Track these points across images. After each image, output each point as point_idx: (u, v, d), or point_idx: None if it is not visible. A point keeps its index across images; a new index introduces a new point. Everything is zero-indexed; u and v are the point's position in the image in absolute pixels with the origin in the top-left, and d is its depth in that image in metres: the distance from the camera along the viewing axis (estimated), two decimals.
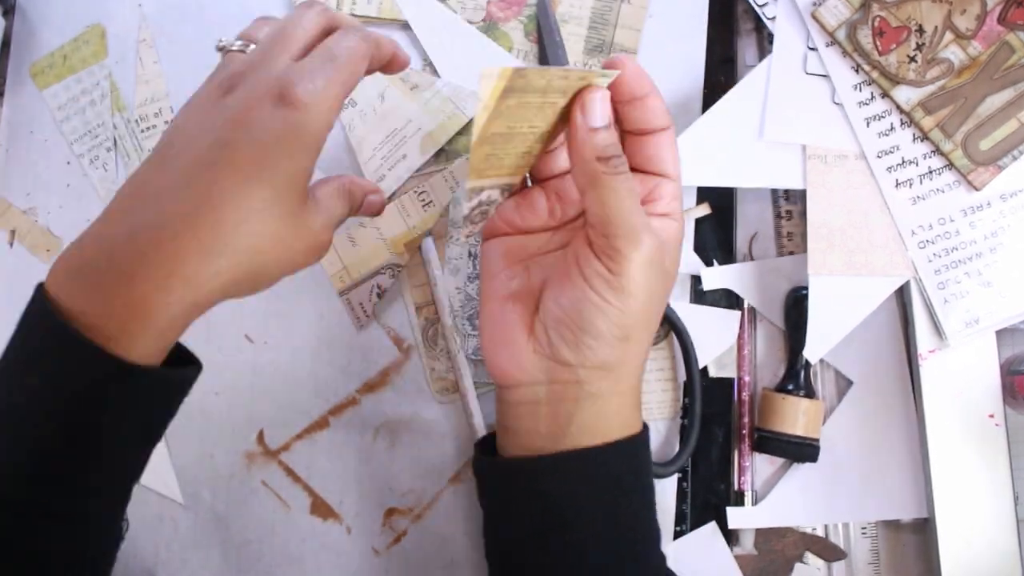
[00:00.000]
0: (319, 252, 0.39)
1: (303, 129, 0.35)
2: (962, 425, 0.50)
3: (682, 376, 0.52)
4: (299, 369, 0.53)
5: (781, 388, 0.51)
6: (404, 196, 0.53)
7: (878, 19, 0.49)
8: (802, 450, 0.50)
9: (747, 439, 0.52)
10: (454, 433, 0.53)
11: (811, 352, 0.50)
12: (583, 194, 0.38)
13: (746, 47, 0.55)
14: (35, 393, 0.35)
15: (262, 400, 0.53)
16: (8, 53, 0.57)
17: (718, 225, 0.54)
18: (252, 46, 0.39)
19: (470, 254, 0.53)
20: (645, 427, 0.41)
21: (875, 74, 0.49)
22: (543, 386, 0.39)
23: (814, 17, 0.50)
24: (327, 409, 0.53)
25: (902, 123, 0.50)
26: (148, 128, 0.55)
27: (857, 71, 0.50)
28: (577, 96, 0.37)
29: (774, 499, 0.52)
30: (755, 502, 0.52)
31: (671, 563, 0.51)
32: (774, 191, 0.54)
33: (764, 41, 0.55)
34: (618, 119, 0.40)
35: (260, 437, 0.53)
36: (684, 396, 0.52)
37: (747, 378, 0.53)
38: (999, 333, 0.50)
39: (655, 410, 0.52)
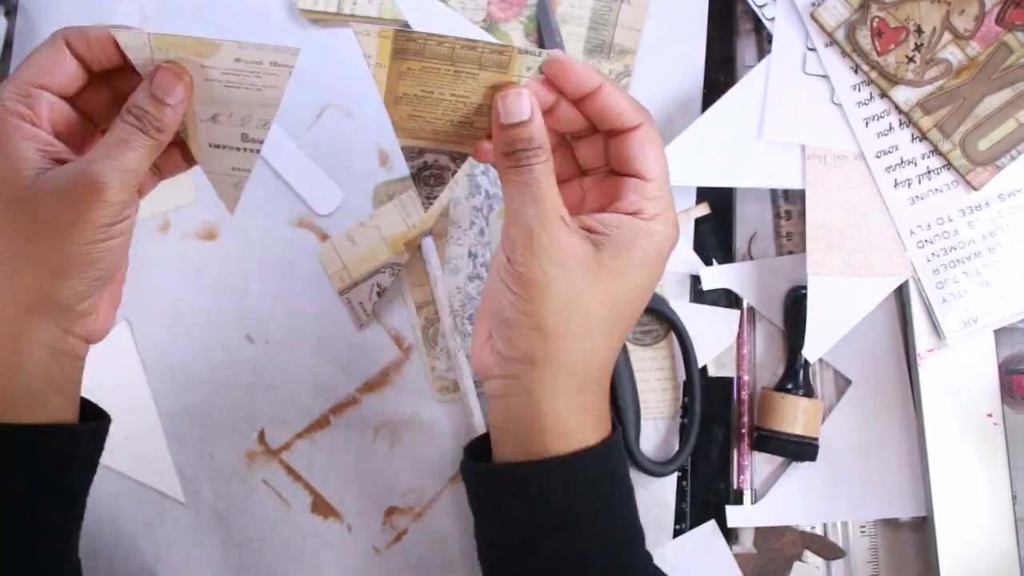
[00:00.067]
0: (92, 192, 0.37)
1: None
2: (960, 424, 0.50)
3: (682, 375, 0.52)
4: (300, 368, 0.54)
5: (780, 387, 0.51)
6: (404, 195, 0.53)
7: (877, 19, 0.49)
8: (801, 449, 0.50)
9: (746, 438, 0.52)
10: (454, 432, 0.53)
11: (810, 351, 0.50)
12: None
13: (745, 47, 0.55)
14: None
15: (263, 399, 0.53)
16: (10, 54, 0.57)
17: (717, 225, 0.54)
18: None
19: (470, 253, 0.53)
20: (614, 434, 0.40)
21: (874, 74, 0.50)
22: (498, 380, 0.40)
23: (813, 17, 0.50)
24: (328, 408, 0.54)
25: (901, 123, 0.50)
26: None
27: (856, 71, 0.50)
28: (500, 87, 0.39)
29: (773, 498, 0.52)
30: (754, 501, 0.52)
31: (671, 562, 0.51)
32: (773, 191, 0.54)
33: (763, 41, 0.55)
34: (589, 119, 0.40)
35: (261, 436, 0.53)
36: (684, 395, 0.52)
37: (746, 377, 0.53)
38: (997, 332, 0.50)
39: (655, 409, 0.52)
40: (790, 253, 0.54)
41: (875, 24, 0.49)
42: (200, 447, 0.53)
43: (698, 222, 0.53)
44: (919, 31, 0.49)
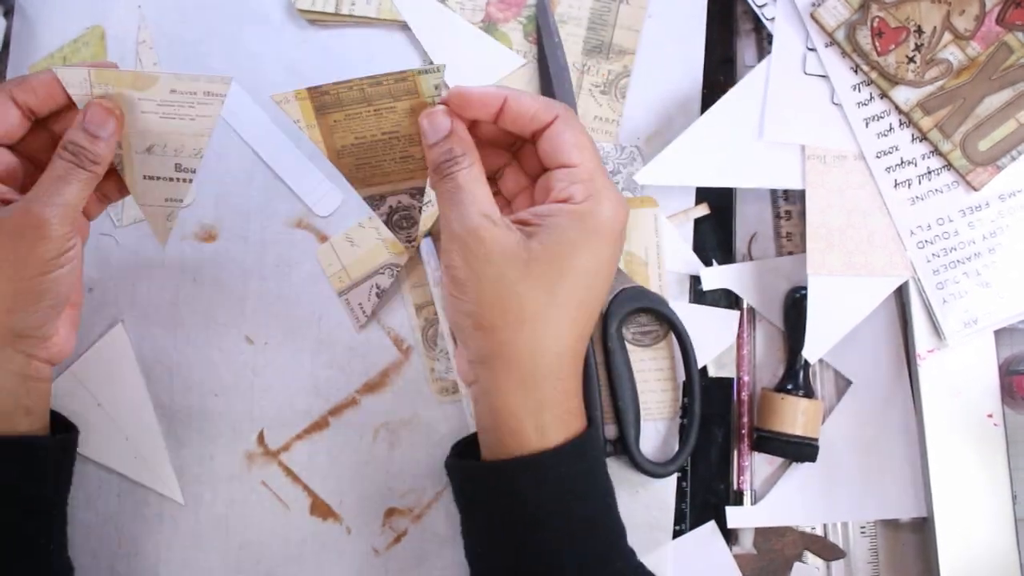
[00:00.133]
0: (38, 232, 0.40)
1: None
2: (961, 425, 0.50)
3: (681, 376, 0.52)
4: (299, 369, 0.54)
5: (780, 388, 0.51)
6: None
7: (877, 20, 0.49)
8: (801, 450, 0.50)
9: (746, 439, 0.52)
10: (454, 433, 0.53)
11: (810, 352, 0.50)
12: None
13: (745, 47, 0.55)
14: None
15: (262, 400, 0.53)
16: (8, 54, 0.57)
17: (717, 225, 0.54)
18: None
19: None
20: (584, 433, 0.40)
21: (874, 74, 0.49)
22: (471, 386, 0.41)
23: (813, 18, 0.50)
24: (327, 409, 0.53)
25: (901, 123, 0.50)
26: None
27: (856, 71, 0.50)
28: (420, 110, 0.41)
29: (773, 498, 0.52)
30: (754, 501, 0.52)
31: (671, 563, 0.51)
32: (773, 191, 0.54)
33: (763, 41, 0.55)
34: (510, 131, 0.42)
35: (260, 437, 0.53)
36: (683, 396, 0.52)
37: (746, 378, 0.53)
38: (997, 333, 0.50)
39: (654, 410, 0.52)
40: (790, 253, 0.54)
41: (875, 24, 0.49)
42: (199, 449, 0.53)
43: (698, 222, 0.53)
44: (919, 31, 0.49)
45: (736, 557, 0.52)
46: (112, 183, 0.45)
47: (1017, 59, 0.48)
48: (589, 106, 0.53)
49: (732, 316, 0.52)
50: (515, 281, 0.38)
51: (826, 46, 0.50)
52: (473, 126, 0.41)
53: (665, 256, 0.53)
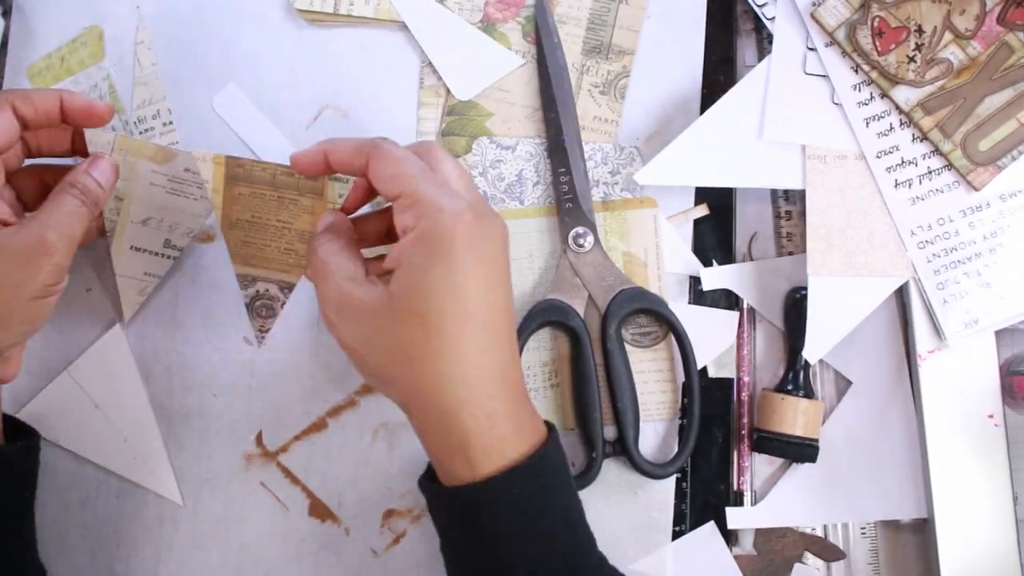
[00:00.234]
0: (43, 255, 0.42)
1: None
2: (961, 425, 0.50)
3: (681, 377, 0.52)
4: (297, 370, 0.53)
5: (780, 388, 0.51)
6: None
7: (877, 19, 0.49)
8: (801, 450, 0.50)
9: (746, 439, 0.52)
10: None
11: (810, 352, 0.50)
12: None
13: (745, 47, 0.55)
14: None
15: (260, 401, 0.53)
16: (6, 54, 0.57)
17: (717, 225, 0.54)
18: None
19: None
20: (535, 454, 0.39)
21: (874, 74, 0.49)
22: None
23: (813, 17, 0.50)
24: (326, 410, 0.53)
25: (901, 123, 0.50)
26: (146, 130, 0.55)
27: (856, 71, 0.50)
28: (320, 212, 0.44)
29: (773, 499, 0.52)
30: (754, 502, 0.52)
31: (671, 565, 0.51)
32: (773, 191, 0.54)
33: (763, 41, 0.55)
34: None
35: (259, 438, 0.53)
36: (683, 397, 0.52)
37: (746, 378, 0.53)
38: (998, 333, 0.50)
39: (654, 411, 0.52)
40: (790, 254, 0.53)
41: (876, 24, 0.49)
42: (198, 449, 0.53)
43: (698, 223, 0.53)
44: (920, 31, 0.49)
45: (736, 558, 0.52)
46: (91, 231, 0.48)
47: (1018, 59, 0.48)
48: (588, 106, 0.53)
49: (732, 317, 0.52)
50: (389, 329, 0.38)
51: (826, 46, 0.50)
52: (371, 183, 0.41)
53: (665, 257, 0.53)
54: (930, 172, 0.49)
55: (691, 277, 0.53)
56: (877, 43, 0.49)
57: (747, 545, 0.52)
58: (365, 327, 0.39)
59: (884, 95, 0.49)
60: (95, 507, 0.53)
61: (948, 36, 0.49)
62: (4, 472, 0.44)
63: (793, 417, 0.50)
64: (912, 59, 0.49)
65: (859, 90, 0.50)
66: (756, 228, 0.54)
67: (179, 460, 0.53)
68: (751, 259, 0.54)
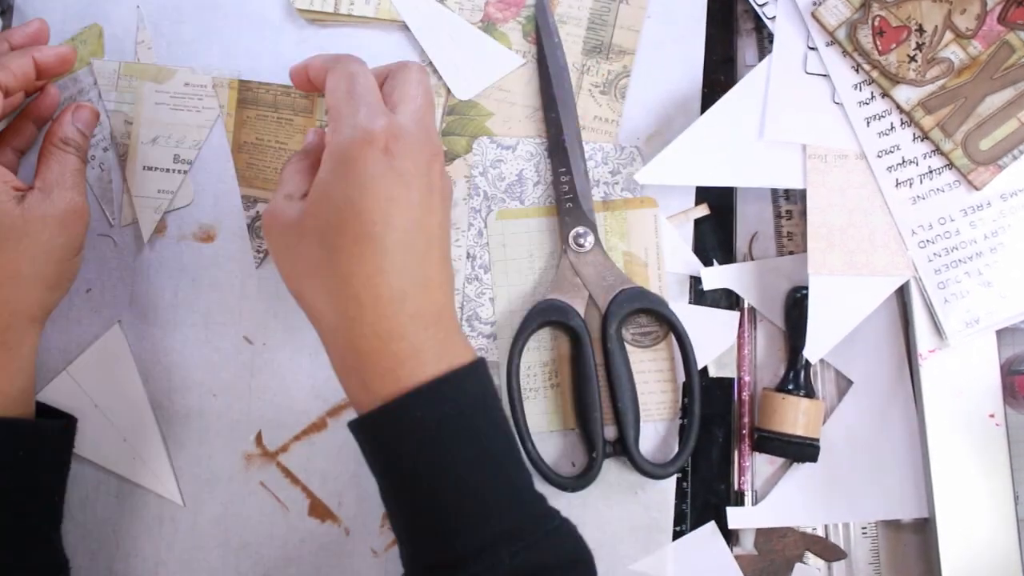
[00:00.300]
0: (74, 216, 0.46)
1: None
2: (962, 425, 0.50)
3: (681, 377, 0.52)
4: (298, 370, 0.53)
5: (781, 388, 0.51)
6: None
7: (878, 19, 0.49)
8: (802, 450, 0.50)
9: (747, 439, 0.52)
10: None
11: (811, 352, 0.50)
12: None
13: (746, 47, 0.55)
14: None
15: (260, 401, 0.53)
16: None
17: (718, 225, 0.54)
18: None
19: (468, 255, 0.53)
20: (445, 378, 0.37)
21: (875, 74, 0.49)
22: None
23: (814, 17, 0.50)
24: (326, 410, 0.53)
25: (902, 123, 0.50)
26: None
27: (857, 71, 0.50)
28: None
29: (774, 499, 0.52)
30: (755, 502, 0.52)
31: (671, 565, 0.51)
32: (774, 191, 0.54)
33: (764, 41, 0.55)
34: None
35: (259, 438, 0.53)
36: (683, 396, 0.52)
37: (747, 378, 0.53)
38: (999, 333, 0.50)
39: (654, 411, 0.52)
40: (791, 253, 0.53)
41: (876, 23, 0.49)
42: (198, 449, 0.53)
43: (698, 222, 0.53)
44: (920, 30, 0.49)
45: (737, 558, 0.52)
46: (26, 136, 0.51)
47: (1018, 58, 0.48)
48: (589, 106, 0.53)
49: (732, 317, 0.52)
50: (295, 245, 0.39)
51: (827, 45, 0.50)
52: None
53: (665, 256, 0.53)
54: (931, 171, 0.49)
55: (692, 277, 0.53)
56: (878, 42, 0.49)
57: (748, 545, 0.52)
58: (282, 241, 0.40)
59: (885, 94, 0.49)
60: (95, 507, 0.53)
61: (949, 35, 0.49)
62: (44, 448, 0.46)
63: (794, 417, 0.50)
64: (913, 58, 0.49)
65: (860, 89, 0.50)
66: (757, 228, 0.54)
67: (179, 460, 0.53)
68: (752, 259, 0.54)
